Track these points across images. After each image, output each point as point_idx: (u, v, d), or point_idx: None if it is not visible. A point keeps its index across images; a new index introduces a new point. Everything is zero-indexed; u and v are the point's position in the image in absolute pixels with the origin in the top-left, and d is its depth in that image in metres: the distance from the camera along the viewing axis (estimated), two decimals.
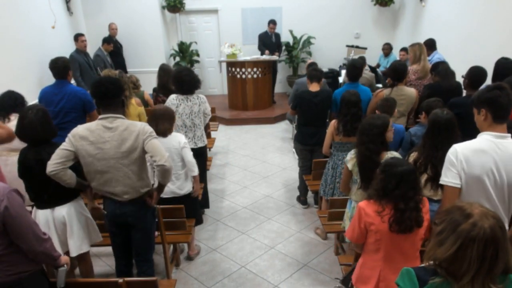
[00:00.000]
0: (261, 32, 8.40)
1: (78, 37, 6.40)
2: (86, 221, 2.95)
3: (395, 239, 2.17)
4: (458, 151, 2.19)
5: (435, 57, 5.30)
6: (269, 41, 8.32)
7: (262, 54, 8.13)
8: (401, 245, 2.19)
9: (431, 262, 1.43)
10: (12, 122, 3.46)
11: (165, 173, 2.60)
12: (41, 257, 2.11)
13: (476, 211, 1.35)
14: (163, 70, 5.09)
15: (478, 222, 1.31)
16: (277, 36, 8.42)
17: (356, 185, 2.97)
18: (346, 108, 3.70)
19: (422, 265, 1.51)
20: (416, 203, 2.14)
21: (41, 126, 2.63)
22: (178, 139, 3.46)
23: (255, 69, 7.90)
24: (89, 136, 2.54)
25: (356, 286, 2.42)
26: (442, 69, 4.18)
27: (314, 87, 4.27)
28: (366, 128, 2.77)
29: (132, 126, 2.58)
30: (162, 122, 3.35)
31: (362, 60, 5.20)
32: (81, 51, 6.41)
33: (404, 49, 6.69)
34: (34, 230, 2.03)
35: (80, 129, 2.57)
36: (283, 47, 9.17)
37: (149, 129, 2.63)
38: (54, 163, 2.51)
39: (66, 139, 2.58)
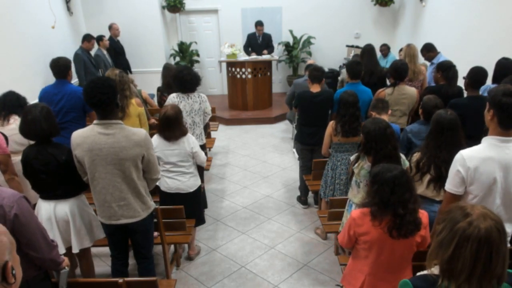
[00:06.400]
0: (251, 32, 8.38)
1: (91, 39, 6.58)
2: (89, 217, 2.95)
3: (392, 245, 2.16)
4: (466, 159, 2.16)
5: (441, 59, 5.26)
6: (255, 42, 8.29)
7: (248, 54, 8.11)
8: (397, 250, 2.18)
9: (433, 269, 1.41)
10: (11, 126, 3.45)
11: (155, 182, 2.83)
12: (49, 264, 2.10)
13: (476, 211, 1.34)
14: (167, 69, 5.09)
15: (474, 222, 1.30)
16: (266, 37, 8.30)
17: (357, 188, 2.97)
18: (344, 108, 3.69)
19: (424, 272, 1.48)
20: (414, 205, 2.13)
21: (46, 121, 2.66)
22: (191, 145, 3.45)
23: (255, 69, 7.91)
24: (83, 142, 2.52)
25: (344, 285, 2.48)
26: (452, 75, 4.04)
27: (315, 88, 4.27)
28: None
29: (132, 135, 2.55)
30: (179, 127, 3.35)
31: (358, 58, 5.21)
32: (86, 50, 6.52)
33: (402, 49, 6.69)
34: (44, 237, 2.02)
35: (74, 136, 2.56)
36: (283, 47, 9.17)
37: (149, 141, 2.63)
38: (81, 175, 2.70)
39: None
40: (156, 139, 3.42)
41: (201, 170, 3.77)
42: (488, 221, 1.31)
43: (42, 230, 2.02)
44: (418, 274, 1.51)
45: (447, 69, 4.12)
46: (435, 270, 1.41)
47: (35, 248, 1.97)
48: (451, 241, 1.32)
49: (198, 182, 3.62)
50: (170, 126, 3.31)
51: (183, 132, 3.38)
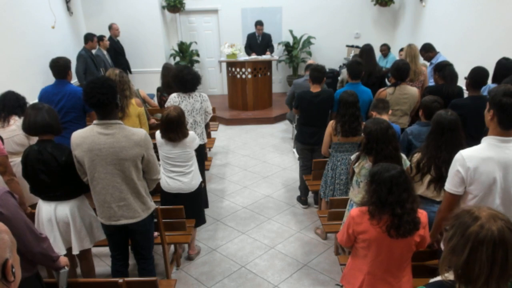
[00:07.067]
0: (251, 32, 8.38)
1: (94, 38, 6.64)
2: (90, 218, 2.95)
3: (390, 244, 2.16)
4: (466, 159, 2.16)
5: (440, 59, 5.26)
6: (254, 42, 8.28)
7: (248, 55, 8.11)
8: (396, 250, 2.18)
9: (447, 275, 1.39)
10: (12, 127, 3.44)
11: (155, 182, 2.81)
12: (39, 258, 2.09)
13: (483, 213, 1.32)
14: (167, 69, 5.07)
15: (485, 224, 1.29)
16: (266, 36, 8.30)
17: (358, 187, 2.97)
18: (344, 108, 3.69)
19: (437, 278, 1.46)
20: (412, 205, 2.12)
21: (48, 115, 2.70)
22: (194, 145, 3.46)
23: (255, 69, 7.91)
24: (83, 143, 2.52)
25: (343, 285, 2.48)
26: (448, 73, 4.06)
27: (315, 88, 4.27)
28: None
29: (132, 135, 2.55)
30: (181, 129, 3.34)
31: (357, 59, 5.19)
32: (89, 51, 6.57)
33: (403, 49, 6.68)
34: (31, 230, 2.01)
35: (74, 137, 2.56)
36: (283, 47, 9.18)
37: (149, 141, 2.62)
38: (80, 175, 2.68)
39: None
40: (158, 139, 3.42)
41: (201, 169, 3.77)
42: (498, 222, 1.29)
43: (28, 224, 2.01)
44: (432, 280, 1.49)
45: (442, 69, 4.14)
46: (450, 275, 1.39)
47: (23, 242, 1.97)
48: (465, 246, 1.30)
49: (199, 180, 3.63)
50: (173, 128, 3.30)
51: (185, 134, 3.38)
